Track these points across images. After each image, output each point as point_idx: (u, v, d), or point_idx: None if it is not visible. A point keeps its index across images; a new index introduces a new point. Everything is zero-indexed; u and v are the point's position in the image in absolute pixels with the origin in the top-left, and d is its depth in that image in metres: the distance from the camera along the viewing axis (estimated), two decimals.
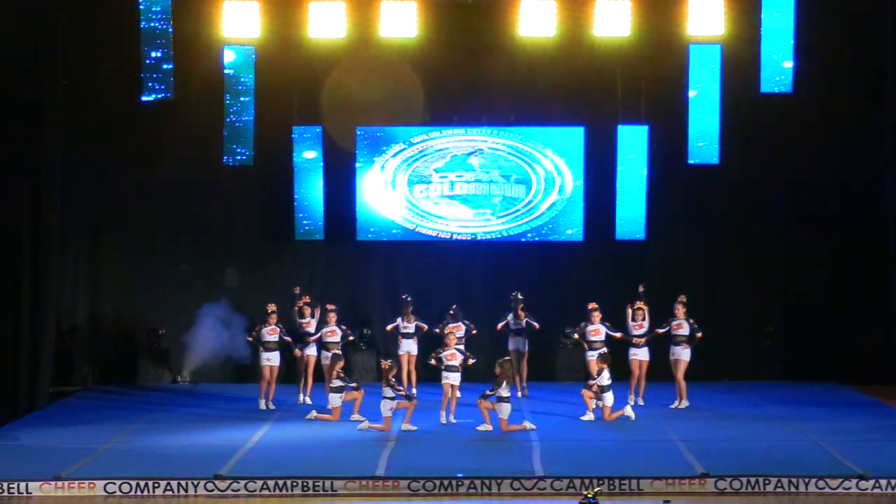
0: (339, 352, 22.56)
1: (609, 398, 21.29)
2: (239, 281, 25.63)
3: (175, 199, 25.54)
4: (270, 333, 22.65)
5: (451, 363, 21.39)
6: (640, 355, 22.82)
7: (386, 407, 20.54)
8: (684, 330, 22.56)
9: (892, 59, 23.98)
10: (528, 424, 20.66)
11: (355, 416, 21.32)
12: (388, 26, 24.22)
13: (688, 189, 25.44)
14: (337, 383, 21.42)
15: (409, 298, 23.58)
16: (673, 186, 25.33)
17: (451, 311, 23.39)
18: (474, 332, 23.45)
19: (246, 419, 21.71)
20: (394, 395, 20.59)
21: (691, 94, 24.60)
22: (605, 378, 21.30)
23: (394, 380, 20.66)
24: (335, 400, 21.43)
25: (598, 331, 22.81)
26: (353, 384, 21.54)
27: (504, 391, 20.47)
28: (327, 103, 25.20)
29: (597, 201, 25.39)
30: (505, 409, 20.49)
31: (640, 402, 22.77)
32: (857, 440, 19.63)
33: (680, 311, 22.62)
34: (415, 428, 20.51)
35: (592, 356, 22.49)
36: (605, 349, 22.38)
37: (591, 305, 22.92)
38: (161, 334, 25.92)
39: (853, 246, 25.47)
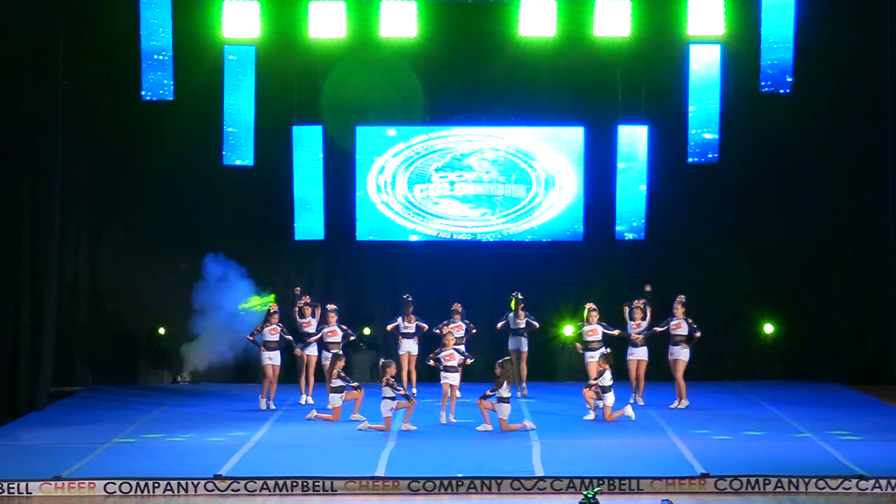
0: (340, 352, 22.55)
1: (610, 398, 21.29)
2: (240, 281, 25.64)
3: (175, 199, 25.53)
4: (271, 333, 22.64)
5: (449, 363, 21.38)
6: (637, 354, 22.83)
7: (386, 407, 20.55)
8: (683, 330, 22.54)
9: (892, 58, 23.97)
10: (528, 423, 20.65)
11: (355, 416, 21.32)
12: (388, 26, 24.23)
13: (688, 189, 25.45)
14: (337, 383, 21.43)
15: (409, 298, 23.58)
16: (673, 186, 25.35)
17: (456, 310, 23.35)
18: (474, 331, 23.45)
19: (246, 419, 21.71)
20: (393, 395, 20.59)
21: (691, 94, 24.61)
22: (607, 378, 21.29)
23: (393, 380, 20.66)
24: (335, 400, 21.43)
25: (594, 331, 22.77)
26: (354, 384, 21.53)
27: (504, 391, 20.47)
28: (327, 103, 25.21)
29: (597, 201, 25.42)
30: (505, 410, 20.49)
31: (640, 402, 22.79)
32: (857, 440, 19.62)
33: (679, 310, 22.61)
34: (415, 428, 20.51)
35: (592, 357, 22.46)
36: (606, 349, 22.33)
37: (589, 306, 22.91)
38: (161, 334, 25.93)
39: (853, 246, 25.48)
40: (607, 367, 21.36)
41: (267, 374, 22.69)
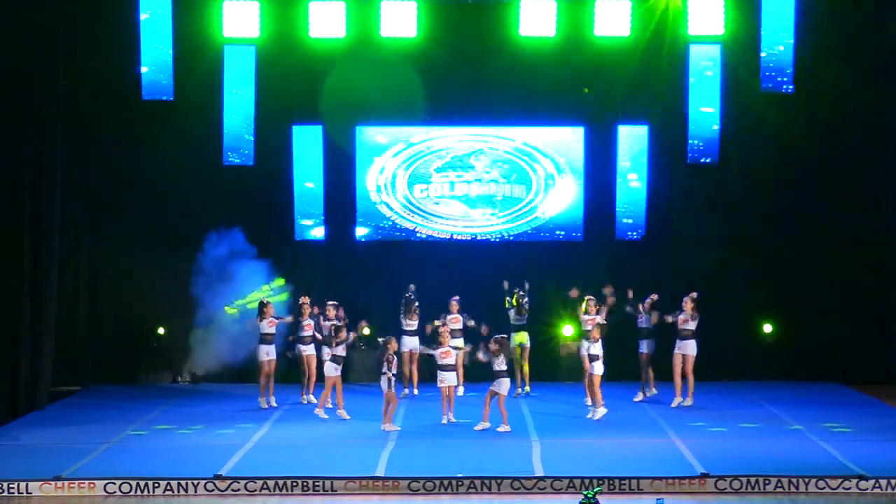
0: (339, 323, 22.19)
1: (598, 367, 21.21)
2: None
3: (175, 199, 25.52)
4: (269, 325, 22.59)
5: (445, 361, 21.19)
6: (642, 347, 22.91)
7: (386, 383, 20.47)
8: (689, 325, 22.47)
9: (891, 57, 23.99)
10: (503, 427, 20.48)
11: (341, 412, 21.32)
12: (388, 26, 24.29)
13: (687, 188, 25.48)
14: (339, 351, 21.26)
15: (413, 297, 23.52)
16: (673, 186, 25.38)
17: (454, 303, 23.32)
18: (471, 323, 23.21)
19: (246, 419, 21.71)
20: (394, 370, 20.56)
21: (691, 94, 24.64)
22: (597, 348, 21.24)
23: (393, 356, 20.55)
24: (331, 370, 21.25)
25: (594, 321, 22.73)
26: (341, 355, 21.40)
27: (500, 365, 20.32)
28: (327, 103, 25.22)
29: (597, 201, 25.44)
30: (504, 385, 20.32)
31: (646, 396, 22.90)
32: (857, 440, 19.62)
33: (688, 305, 22.50)
34: (398, 428, 20.43)
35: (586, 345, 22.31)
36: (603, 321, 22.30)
37: (588, 298, 22.84)
38: (161, 334, 25.94)
39: (853, 245, 25.48)
40: (598, 337, 21.27)
41: (263, 370, 22.62)
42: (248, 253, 24.70)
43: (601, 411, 21.27)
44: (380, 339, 21.32)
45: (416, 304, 23.48)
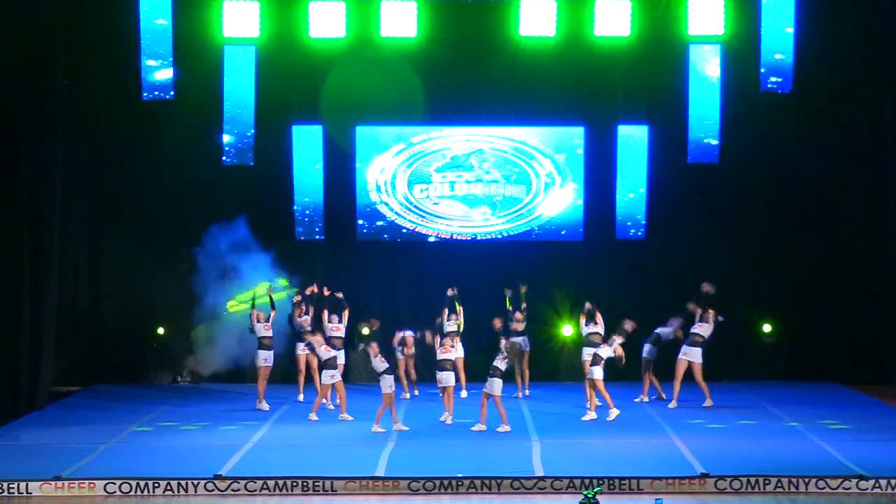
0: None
1: (597, 372, 21.19)
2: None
3: (175, 199, 25.54)
4: (266, 329, 22.55)
5: (444, 357, 21.09)
6: (643, 351, 22.91)
7: (385, 383, 20.43)
8: (701, 331, 22.40)
9: (892, 57, 24.00)
10: (503, 427, 20.45)
11: (343, 416, 21.31)
12: (388, 26, 24.30)
13: (688, 188, 25.48)
14: (322, 353, 21.24)
15: (414, 335, 23.39)
16: (673, 186, 25.38)
17: (454, 296, 23.28)
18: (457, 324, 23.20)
19: (246, 419, 21.71)
20: (387, 365, 20.51)
21: (691, 93, 24.65)
22: (605, 351, 21.23)
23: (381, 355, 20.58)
24: (325, 378, 21.24)
25: (593, 326, 22.74)
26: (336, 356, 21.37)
27: (500, 363, 20.28)
28: (327, 103, 25.22)
29: (597, 201, 25.44)
30: (496, 386, 20.28)
31: (645, 399, 22.90)
32: (857, 440, 19.62)
33: (710, 314, 22.38)
34: (383, 430, 20.36)
35: (589, 354, 22.23)
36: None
37: (588, 306, 22.81)
38: (161, 334, 25.95)
39: (854, 245, 25.49)
40: (616, 339, 21.24)
41: (261, 375, 22.60)
42: (248, 250, 24.71)
43: (614, 412, 21.22)
44: (361, 345, 21.25)
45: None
